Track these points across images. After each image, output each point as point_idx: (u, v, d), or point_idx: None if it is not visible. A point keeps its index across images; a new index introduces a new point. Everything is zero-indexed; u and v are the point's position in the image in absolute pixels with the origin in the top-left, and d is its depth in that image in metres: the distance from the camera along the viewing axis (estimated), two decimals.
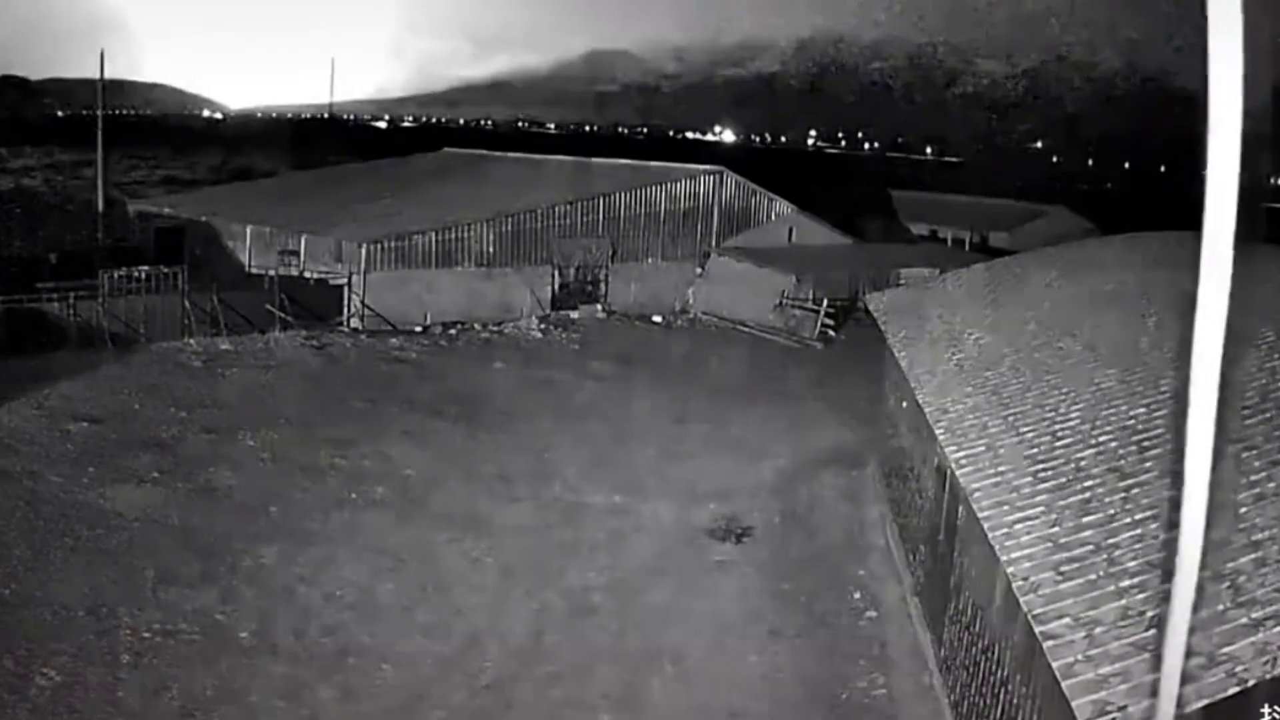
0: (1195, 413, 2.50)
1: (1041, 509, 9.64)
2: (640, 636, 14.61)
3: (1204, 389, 2.49)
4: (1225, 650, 6.29)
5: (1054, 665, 7.11)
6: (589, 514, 19.27)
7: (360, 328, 33.65)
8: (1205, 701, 5.98)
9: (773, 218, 43.46)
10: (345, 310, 34.03)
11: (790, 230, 43.64)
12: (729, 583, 16.61)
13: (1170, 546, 7.45)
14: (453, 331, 34.32)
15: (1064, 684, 6.86)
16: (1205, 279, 2.51)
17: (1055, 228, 53.41)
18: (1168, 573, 2.65)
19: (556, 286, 38.27)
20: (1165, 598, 2.64)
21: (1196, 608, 2.66)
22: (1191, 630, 2.66)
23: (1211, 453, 2.46)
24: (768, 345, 35.54)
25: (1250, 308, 14.25)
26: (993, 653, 10.43)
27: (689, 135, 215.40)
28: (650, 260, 40.39)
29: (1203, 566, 2.54)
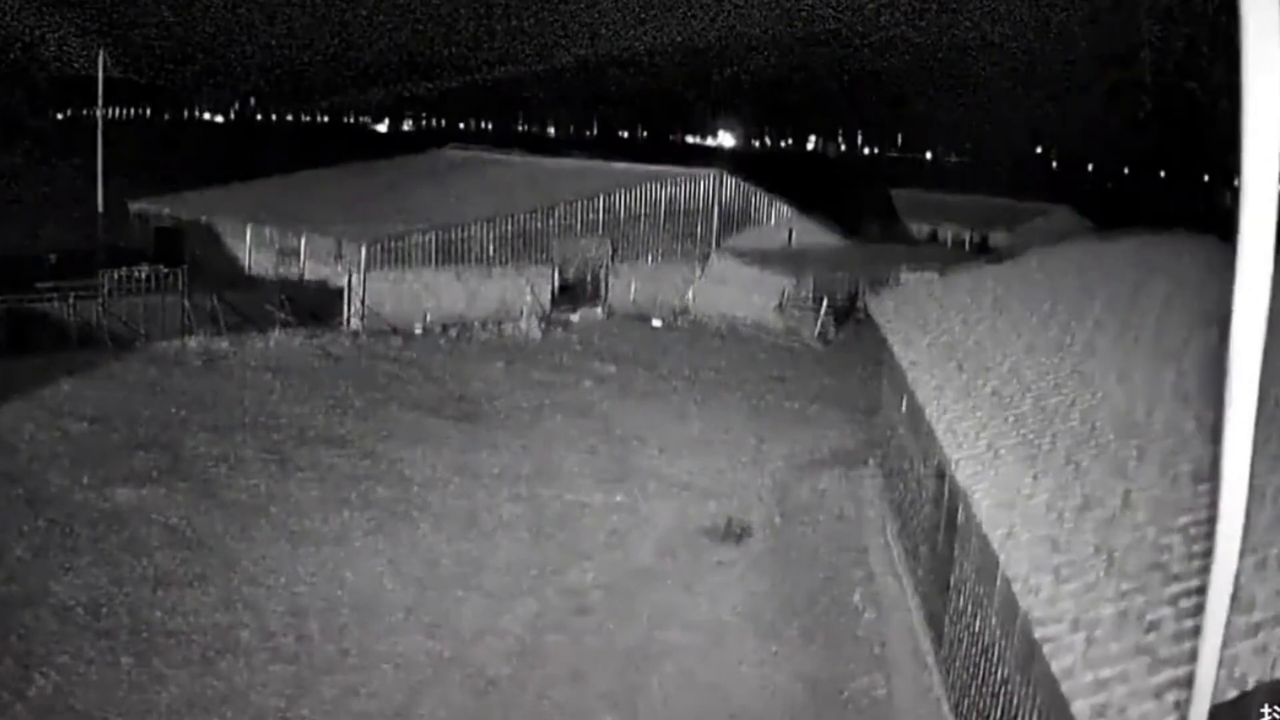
0: (1234, 414, 2.50)
1: (1041, 509, 9.64)
2: (640, 636, 14.62)
3: (1243, 389, 2.49)
4: (1225, 652, 6.28)
5: (1053, 667, 7.11)
6: (589, 513, 19.28)
7: (360, 328, 33.65)
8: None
9: (772, 218, 43.48)
10: (345, 310, 34.02)
11: (790, 231, 43.65)
12: (729, 583, 16.61)
13: (1169, 550, 7.45)
14: (453, 332, 34.31)
15: (1062, 685, 6.87)
16: (1242, 281, 2.51)
17: (1056, 227, 53.40)
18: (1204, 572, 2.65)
19: (556, 286, 38.26)
20: (1202, 598, 2.63)
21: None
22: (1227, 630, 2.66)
23: (1250, 455, 2.46)
24: (768, 346, 35.54)
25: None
26: (993, 653, 10.43)
27: (689, 139, 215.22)
28: (650, 260, 40.40)
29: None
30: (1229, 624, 6.47)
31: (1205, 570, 2.50)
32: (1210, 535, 2.45)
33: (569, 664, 13.72)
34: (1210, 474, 8.53)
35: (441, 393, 27.15)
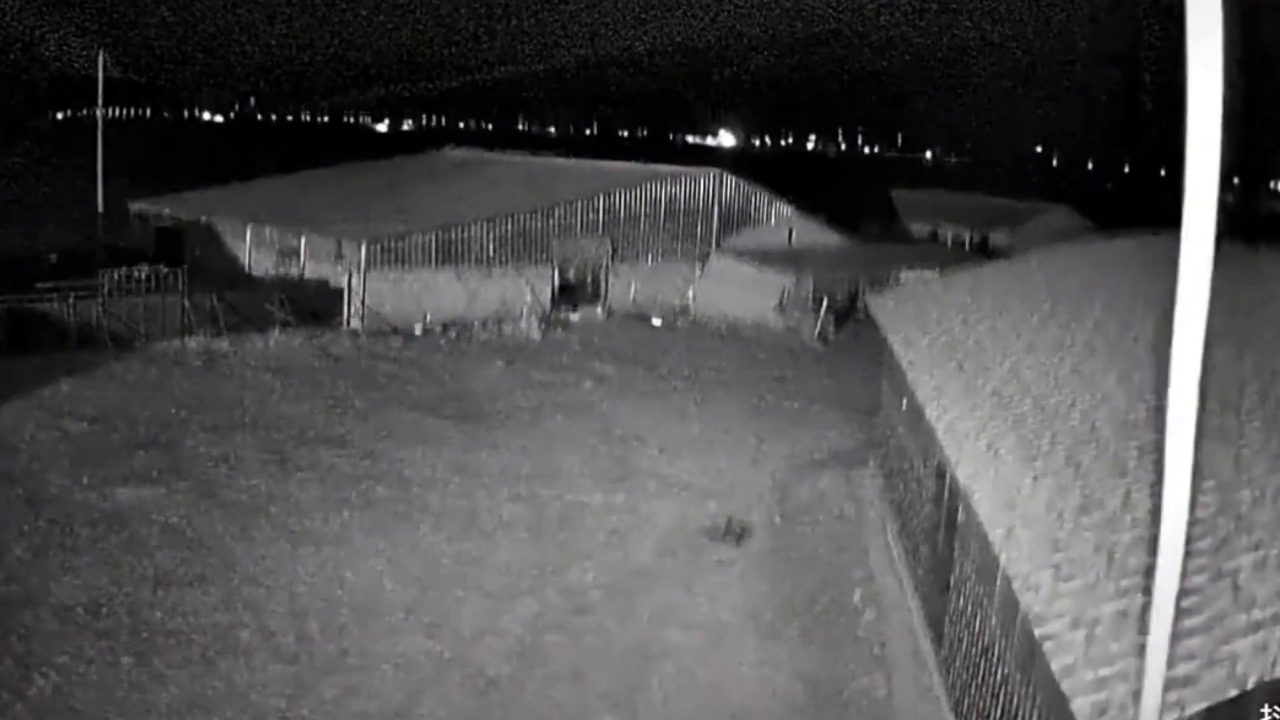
0: (1175, 411, 2.51)
1: (1041, 509, 9.64)
2: (640, 636, 14.62)
3: (1184, 388, 2.50)
4: (1225, 650, 6.28)
5: (1053, 666, 7.11)
6: (589, 513, 19.27)
7: (360, 328, 33.66)
8: (1205, 703, 5.98)
9: (772, 218, 43.49)
10: (345, 310, 34.03)
11: (790, 231, 43.66)
12: (729, 583, 16.61)
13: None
14: (453, 332, 34.32)
15: (1063, 684, 6.87)
16: (1184, 280, 2.52)
17: (1056, 227, 53.42)
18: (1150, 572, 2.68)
19: (556, 286, 38.27)
20: (1148, 600, 2.67)
21: (1180, 605, 2.68)
22: (1175, 630, 2.68)
23: (1191, 449, 2.47)
24: (768, 346, 35.54)
25: (1247, 307, 14.25)
26: (993, 652, 10.43)
27: (690, 139, 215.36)
28: (650, 260, 40.41)
29: (1184, 566, 2.57)
30: (1229, 622, 6.46)
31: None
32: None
33: (569, 664, 13.71)
34: (1206, 472, 8.54)
35: (441, 393, 27.15)
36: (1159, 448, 2.59)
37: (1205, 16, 2.25)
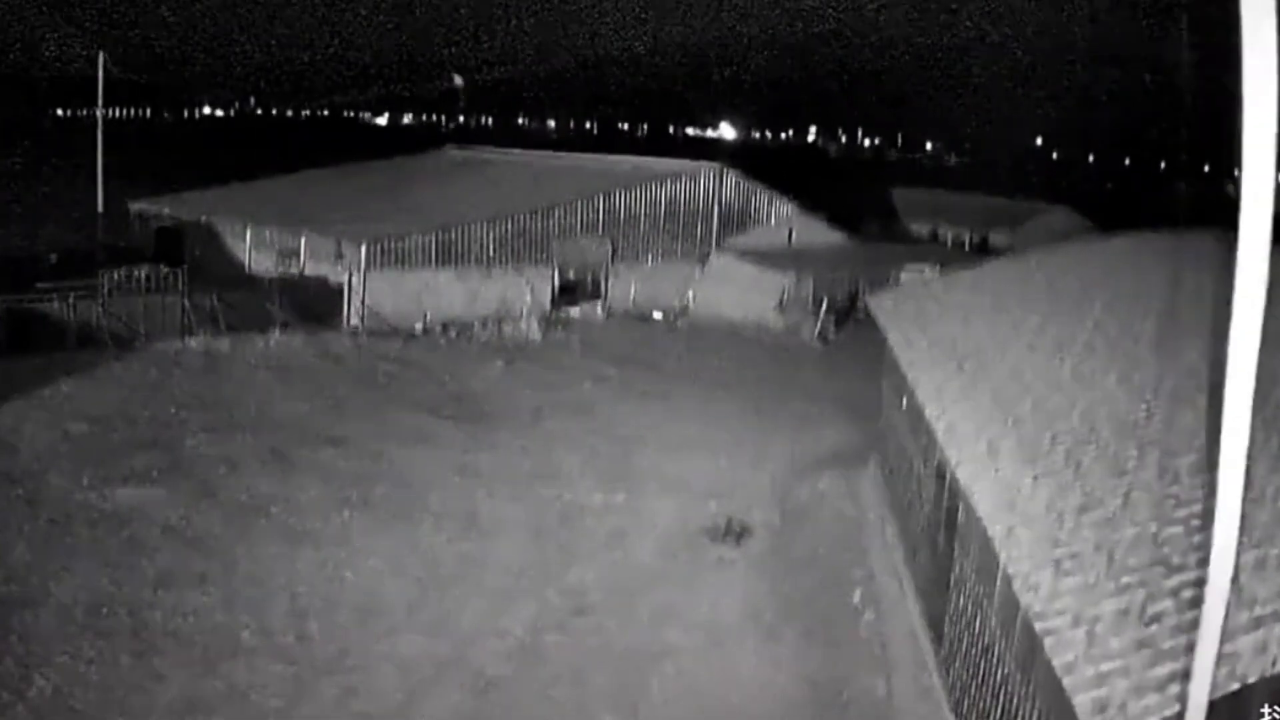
0: (1230, 414, 2.51)
1: (1041, 509, 9.65)
2: (640, 636, 14.61)
3: (1239, 390, 2.50)
4: (1226, 648, 6.29)
5: (1054, 663, 7.11)
6: (589, 514, 19.27)
7: (360, 328, 33.65)
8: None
9: (773, 216, 43.49)
10: (345, 310, 34.02)
11: (790, 230, 43.67)
12: (729, 583, 16.61)
13: (1170, 545, 7.46)
14: (453, 332, 34.32)
15: (1064, 681, 6.87)
16: (1241, 281, 2.52)
17: (1056, 227, 53.42)
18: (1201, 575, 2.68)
19: (556, 286, 38.27)
20: (1199, 599, 2.66)
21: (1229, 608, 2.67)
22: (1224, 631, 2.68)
23: (1246, 454, 2.47)
24: (768, 345, 35.55)
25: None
26: (993, 652, 10.43)
27: (689, 131, 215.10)
28: (650, 260, 40.40)
29: (1236, 570, 2.56)
30: (1229, 621, 6.46)
31: (1205, 563, 2.53)
32: (1210, 531, 2.47)
33: (569, 664, 13.71)
34: (1209, 470, 8.54)
35: (441, 393, 27.14)
36: (1196, 443, 2.57)
37: (1260, 7, 2.23)
